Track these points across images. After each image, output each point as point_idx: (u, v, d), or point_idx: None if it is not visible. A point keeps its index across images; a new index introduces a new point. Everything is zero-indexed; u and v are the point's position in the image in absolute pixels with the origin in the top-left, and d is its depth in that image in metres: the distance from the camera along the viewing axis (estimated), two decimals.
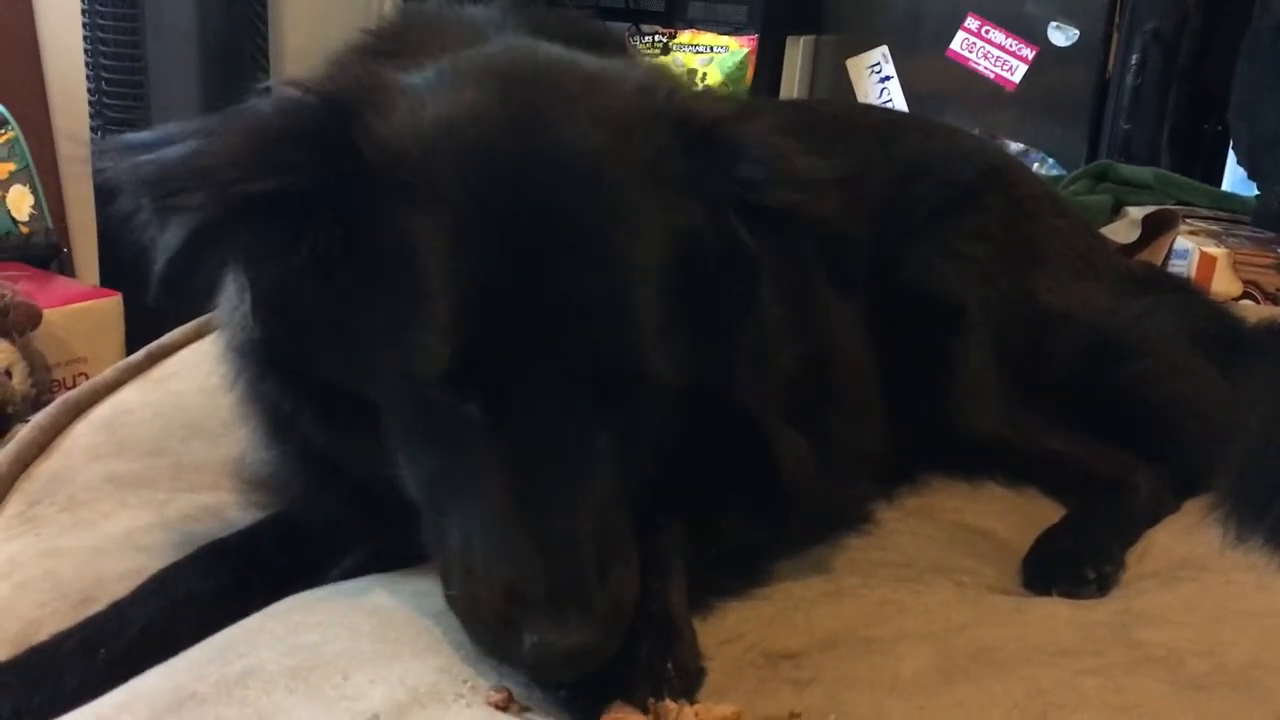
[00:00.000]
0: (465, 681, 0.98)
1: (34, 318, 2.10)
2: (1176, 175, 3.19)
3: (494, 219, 0.91)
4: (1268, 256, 2.43)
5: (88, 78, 2.52)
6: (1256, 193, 3.10)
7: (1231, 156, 3.60)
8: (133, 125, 2.43)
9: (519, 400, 0.92)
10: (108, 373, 1.59)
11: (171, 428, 1.47)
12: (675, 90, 1.05)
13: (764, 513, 1.25)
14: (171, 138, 0.96)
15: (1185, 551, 1.40)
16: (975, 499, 1.56)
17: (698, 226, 0.98)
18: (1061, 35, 3.99)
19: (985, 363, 1.57)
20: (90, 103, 2.52)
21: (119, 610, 1.08)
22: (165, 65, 2.36)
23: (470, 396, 0.92)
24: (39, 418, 1.45)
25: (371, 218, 0.93)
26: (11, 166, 2.53)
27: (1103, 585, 1.34)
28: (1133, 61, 4.04)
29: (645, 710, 0.98)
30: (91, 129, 2.54)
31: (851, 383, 1.51)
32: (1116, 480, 1.54)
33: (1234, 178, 3.52)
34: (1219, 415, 1.53)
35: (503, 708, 0.94)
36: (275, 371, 1.07)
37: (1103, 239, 1.93)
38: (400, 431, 1.00)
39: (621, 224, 0.94)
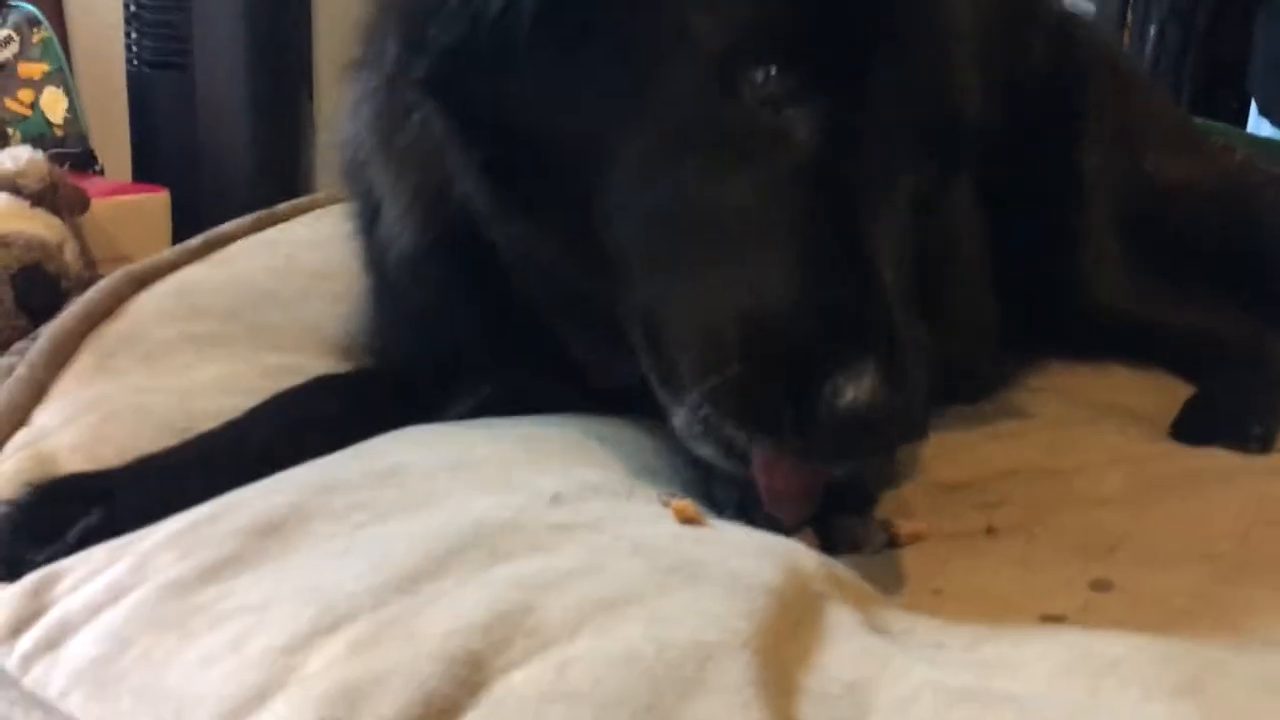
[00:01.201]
0: (629, 488, 0.87)
1: (82, 199, 1.96)
2: (1216, 123, 3.13)
3: None
4: None
5: None
6: None
7: (1252, 125, 3.58)
8: (171, 26, 2.31)
9: (856, 125, 0.79)
10: (166, 253, 1.47)
11: (244, 296, 1.35)
12: None
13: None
14: None
15: None
16: (1104, 377, 1.46)
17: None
18: (1078, 8, 3.95)
19: (1108, 233, 1.48)
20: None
21: (235, 428, 0.97)
22: None
23: (807, 104, 0.79)
24: (98, 287, 1.32)
25: None
26: (45, 67, 2.39)
27: (1267, 442, 1.24)
28: (1150, 33, 4.02)
29: (826, 532, 0.88)
30: (126, 24, 2.39)
31: (968, 254, 1.42)
32: (1252, 353, 1.44)
33: None
34: None
35: (690, 518, 0.82)
36: (471, 118, 0.90)
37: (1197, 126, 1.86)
38: (644, 169, 0.83)
39: None
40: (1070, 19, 1.81)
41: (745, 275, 0.79)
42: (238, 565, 0.74)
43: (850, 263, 0.78)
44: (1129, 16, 4.03)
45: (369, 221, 1.08)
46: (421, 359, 1.09)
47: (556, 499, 0.79)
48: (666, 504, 0.84)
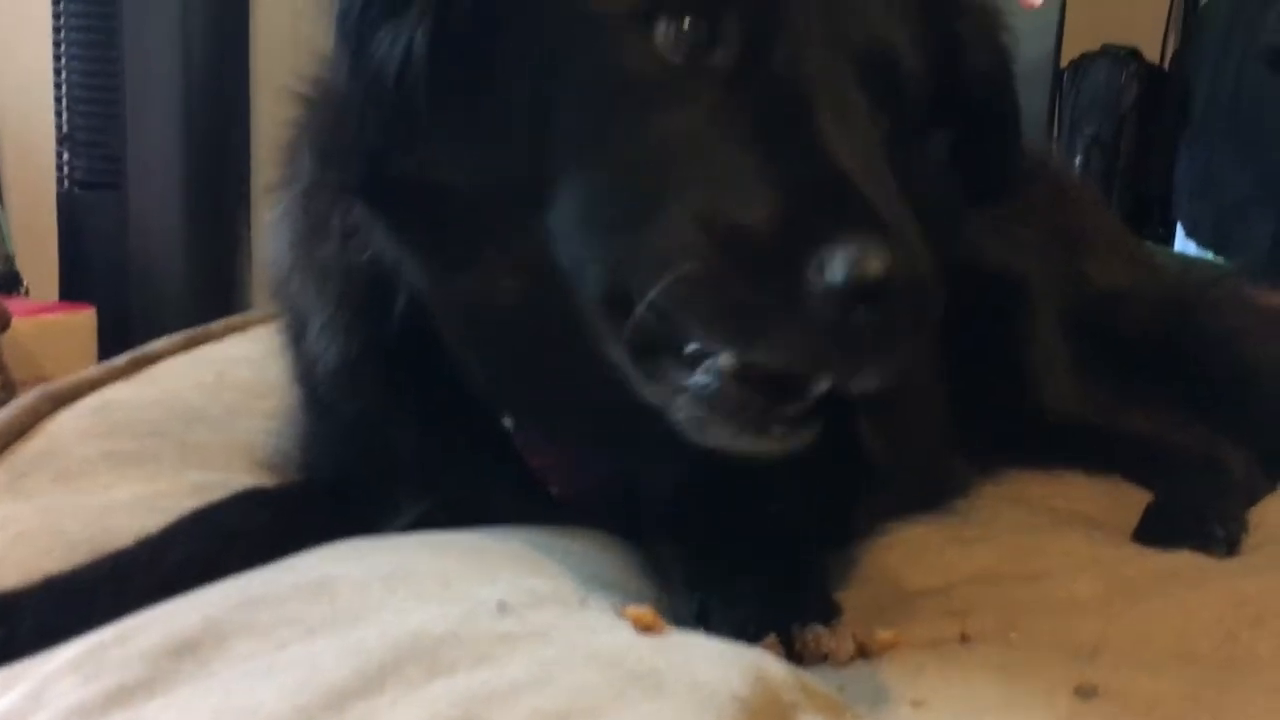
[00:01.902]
0: (580, 598, 0.82)
1: (4, 317, 1.88)
2: (1149, 243, 3.21)
3: None
4: (1276, 295, 2.40)
5: (55, 85, 2.34)
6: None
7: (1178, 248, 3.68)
8: (103, 146, 2.27)
9: (780, 39, 0.77)
10: (89, 370, 1.41)
11: (170, 414, 1.29)
12: None
13: (850, 475, 1.12)
14: None
15: None
16: (1060, 485, 1.43)
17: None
18: None
19: (1055, 341, 1.47)
20: (56, 112, 2.34)
21: (152, 543, 0.91)
22: (141, 76, 2.21)
23: (720, 23, 0.77)
24: (13, 405, 1.25)
25: None
26: None
27: (1231, 544, 1.21)
28: (1076, 164, 4.14)
29: (790, 642, 0.83)
30: (59, 144, 2.35)
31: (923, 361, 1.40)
32: (1205, 458, 1.43)
33: None
34: None
35: (649, 626, 0.77)
36: (392, 195, 0.87)
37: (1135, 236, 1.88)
38: (594, 129, 0.80)
39: None
40: None
41: (705, 196, 0.74)
42: (148, 689, 0.66)
43: (812, 157, 0.73)
44: (1055, 145, 4.16)
45: (296, 335, 1.05)
46: (356, 472, 1.04)
47: (502, 608, 0.73)
48: (622, 613, 0.79)
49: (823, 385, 0.78)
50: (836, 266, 0.66)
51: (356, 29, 0.84)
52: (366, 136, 0.85)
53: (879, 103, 0.82)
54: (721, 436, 0.78)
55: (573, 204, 0.80)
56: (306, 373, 1.04)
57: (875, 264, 0.66)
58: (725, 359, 0.76)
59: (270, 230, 1.04)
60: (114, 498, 1.06)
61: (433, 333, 0.92)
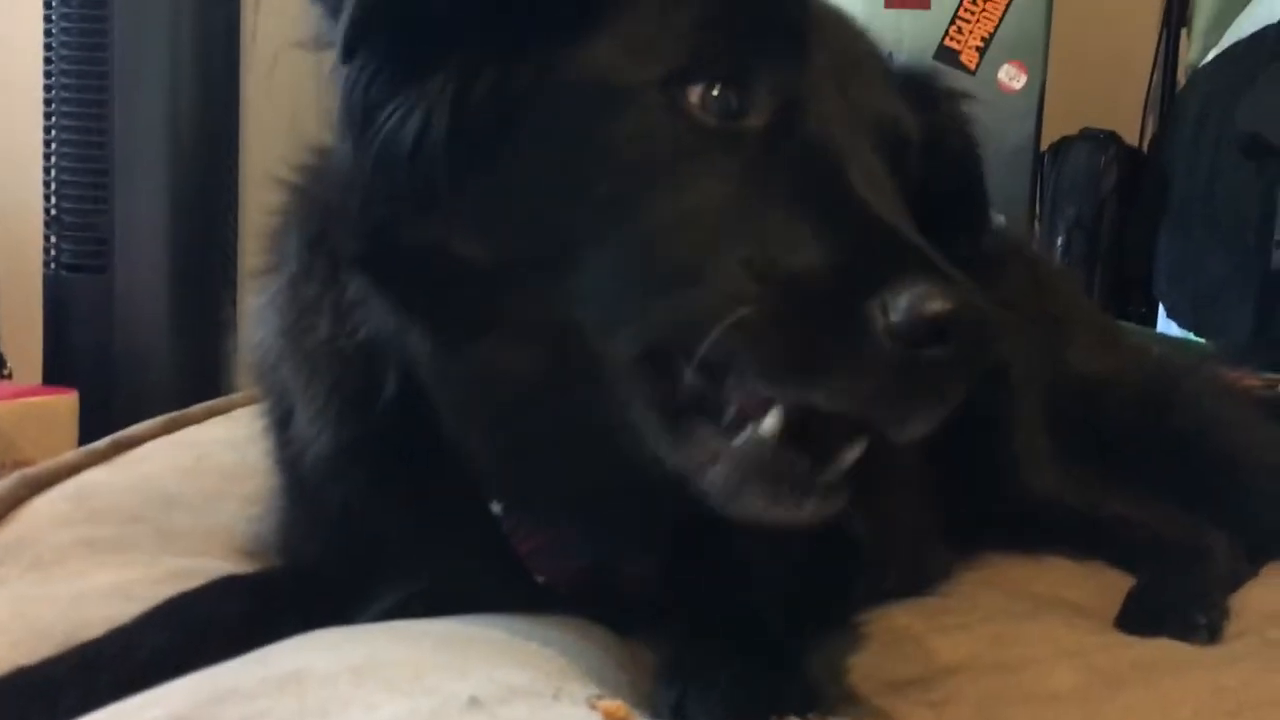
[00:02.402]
0: (555, 690, 0.81)
1: None
2: (1130, 324, 3.23)
3: None
4: (1252, 380, 2.42)
5: (45, 169, 2.35)
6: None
7: (1160, 328, 3.70)
8: (91, 229, 2.28)
9: (808, 105, 0.81)
10: (69, 455, 1.40)
11: (148, 499, 1.28)
12: None
13: (835, 562, 1.12)
14: None
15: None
16: (1042, 569, 1.43)
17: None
18: None
19: (1036, 424, 1.48)
20: (45, 195, 2.35)
21: (124, 633, 0.89)
22: (130, 159, 2.23)
23: (751, 89, 0.81)
24: None
25: None
26: None
27: (1213, 632, 1.21)
28: (1057, 245, 4.19)
29: None
30: (46, 227, 2.36)
31: (898, 451, 1.41)
32: (1188, 545, 1.43)
33: None
34: None
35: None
36: (398, 266, 0.86)
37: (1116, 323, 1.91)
38: (627, 194, 0.80)
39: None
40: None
41: (754, 247, 0.74)
42: None
43: (858, 210, 0.75)
44: (1036, 227, 4.21)
45: (282, 421, 1.04)
46: (337, 558, 1.03)
47: (473, 703, 0.72)
48: (595, 706, 0.78)
49: (857, 451, 0.78)
50: (903, 305, 0.67)
51: (362, 103, 0.84)
52: (373, 211, 0.85)
53: (890, 169, 0.85)
54: (756, 504, 0.77)
55: (604, 268, 0.80)
56: (292, 459, 1.03)
57: (941, 303, 0.67)
58: (770, 422, 0.75)
59: (256, 316, 1.04)
60: (88, 586, 1.05)
61: (422, 416, 0.91)
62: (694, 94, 0.80)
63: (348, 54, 0.82)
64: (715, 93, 0.80)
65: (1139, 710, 0.89)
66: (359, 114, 0.83)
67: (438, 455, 0.93)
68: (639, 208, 0.79)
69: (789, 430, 0.75)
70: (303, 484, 1.04)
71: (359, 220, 0.86)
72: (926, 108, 1.02)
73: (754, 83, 0.81)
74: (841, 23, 0.94)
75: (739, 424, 0.77)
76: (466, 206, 0.83)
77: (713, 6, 0.83)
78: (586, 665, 0.87)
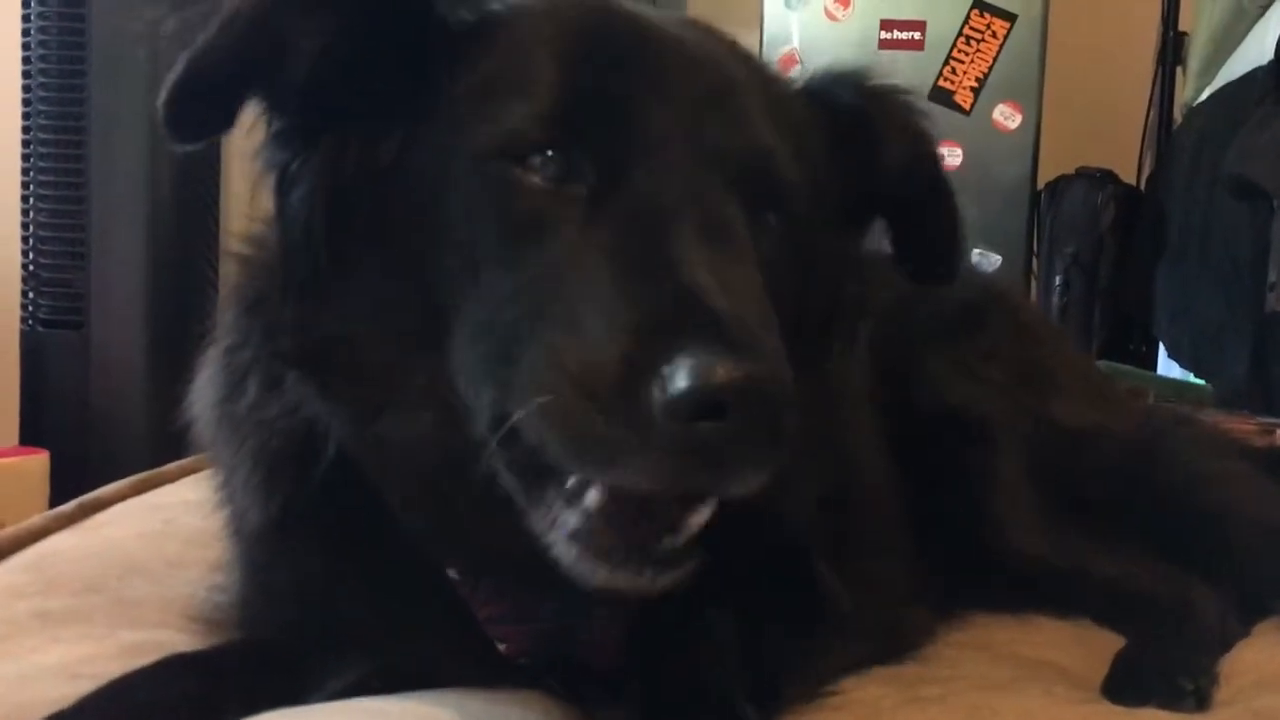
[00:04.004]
0: None
1: None
2: (1128, 366, 3.21)
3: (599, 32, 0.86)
4: (1249, 423, 2.38)
5: (23, 225, 2.34)
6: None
7: (1162, 368, 3.67)
8: (68, 285, 2.27)
9: (639, 162, 0.79)
10: (34, 519, 1.38)
11: (108, 567, 1.26)
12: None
13: (804, 627, 1.09)
14: None
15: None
16: (1026, 630, 1.39)
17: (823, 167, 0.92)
18: (985, 262, 4.10)
19: (1019, 481, 1.45)
20: (23, 251, 2.34)
21: (65, 719, 0.86)
22: (107, 216, 2.22)
23: (579, 153, 0.80)
24: None
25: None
26: None
27: (1201, 699, 1.18)
28: (1056, 283, 4.17)
29: None
30: (24, 283, 2.35)
31: (878, 509, 1.38)
32: (1176, 604, 1.39)
33: None
34: (1276, 522, 1.41)
35: None
36: (316, 356, 0.88)
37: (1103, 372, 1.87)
38: (475, 264, 0.82)
39: (763, 75, 0.92)
40: (968, 268, 1.85)
41: (562, 325, 0.75)
42: None
43: (661, 276, 0.74)
44: (1035, 266, 4.19)
45: (227, 493, 1.03)
46: (292, 632, 1.01)
47: None
48: None
49: (698, 518, 0.77)
50: (675, 381, 0.66)
51: (279, 184, 0.87)
52: (292, 304, 0.86)
53: (761, 208, 0.84)
54: (595, 575, 0.77)
55: (464, 337, 0.81)
56: (236, 531, 1.03)
57: (715, 374, 0.66)
58: (594, 495, 0.75)
59: (195, 388, 1.04)
60: (38, 663, 1.03)
61: (367, 485, 0.91)
62: (526, 163, 0.81)
63: (170, 122, 0.82)
64: (543, 160, 0.80)
65: None
66: (278, 195, 0.86)
67: (389, 523, 0.91)
68: (481, 280, 0.81)
69: (621, 499, 0.75)
70: (251, 556, 1.02)
71: (283, 312, 0.88)
72: (858, 113, 0.99)
73: (583, 145, 0.81)
74: (705, 51, 0.90)
75: (580, 491, 0.77)
76: (349, 280, 0.85)
77: (545, 69, 0.83)
78: None
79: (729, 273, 0.76)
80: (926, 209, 1.05)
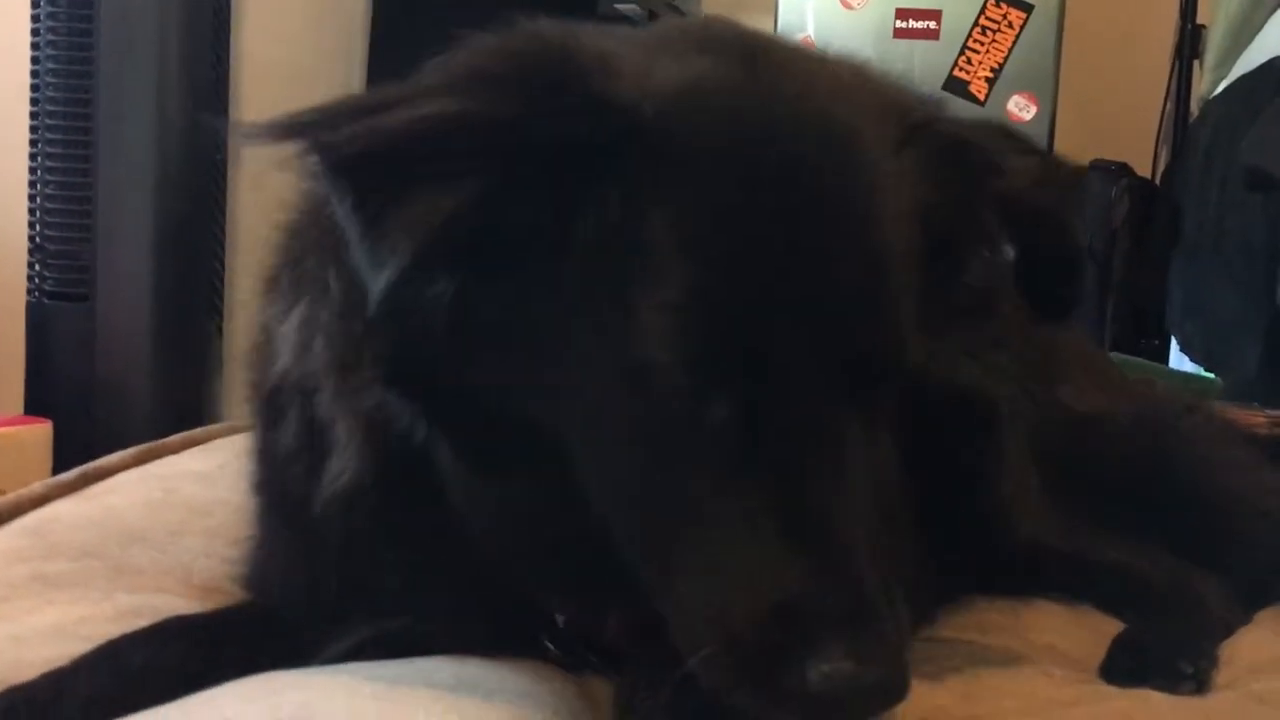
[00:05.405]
0: None
1: None
2: (1137, 359, 3.19)
3: (749, 183, 0.78)
4: (1258, 416, 2.37)
5: (30, 196, 2.35)
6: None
7: (1173, 363, 3.65)
8: (74, 258, 2.27)
9: (772, 392, 0.76)
10: (35, 486, 1.38)
11: (108, 534, 1.26)
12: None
13: None
14: (357, 107, 0.78)
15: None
16: (1029, 614, 1.38)
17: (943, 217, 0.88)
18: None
19: (1024, 464, 1.44)
20: (30, 223, 2.34)
21: (56, 678, 0.87)
22: (114, 187, 2.22)
23: (719, 388, 0.76)
24: None
25: (608, 186, 0.77)
26: None
27: (1200, 682, 1.17)
28: None
29: None
30: (30, 255, 2.35)
31: (886, 490, 1.37)
32: (1178, 590, 1.39)
33: None
34: None
35: None
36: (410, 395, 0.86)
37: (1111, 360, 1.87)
38: (603, 461, 0.82)
39: (884, 196, 0.82)
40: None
41: (700, 559, 0.77)
42: None
43: (806, 532, 0.75)
44: None
45: (297, 447, 0.97)
46: (312, 594, 1.00)
47: None
48: None
49: None
50: (817, 676, 0.72)
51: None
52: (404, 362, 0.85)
53: (866, 400, 0.81)
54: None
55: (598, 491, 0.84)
56: (289, 487, 0.99)
57: (847, 683, 0.72)
58: None
59: (289, 335, 0.95)
60: (33, 625, 1.03)
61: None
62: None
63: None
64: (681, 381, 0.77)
65: None
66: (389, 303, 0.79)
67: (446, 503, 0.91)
68: (617, 465, 0.82)
69: None
70: (303, 514, 0.97)
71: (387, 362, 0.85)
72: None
73: (715, 369, 0.77)
74: (852, 211, 0.81)
75: None
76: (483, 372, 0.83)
77: (682, 272, 0.77)
78: (534, 713, 0.85)
79: (859, 518, 0.78)
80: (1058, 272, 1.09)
